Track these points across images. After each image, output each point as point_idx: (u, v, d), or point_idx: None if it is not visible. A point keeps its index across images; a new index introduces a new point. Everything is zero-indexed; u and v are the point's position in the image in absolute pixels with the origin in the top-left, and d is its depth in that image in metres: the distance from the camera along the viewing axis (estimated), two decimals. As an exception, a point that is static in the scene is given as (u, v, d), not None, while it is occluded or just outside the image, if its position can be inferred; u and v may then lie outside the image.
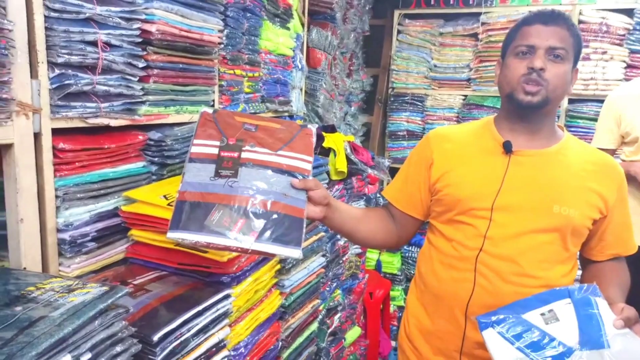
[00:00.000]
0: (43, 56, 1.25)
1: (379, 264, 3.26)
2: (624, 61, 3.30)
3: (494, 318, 1.07)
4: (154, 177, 1.72)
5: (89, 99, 1.41)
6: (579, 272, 1.37)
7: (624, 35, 3.30)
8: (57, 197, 1.33)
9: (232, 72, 2.10)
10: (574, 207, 1.20)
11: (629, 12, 3.28)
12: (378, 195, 3.28)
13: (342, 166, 2.19)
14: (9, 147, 1.19)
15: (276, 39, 2.44)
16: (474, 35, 3.73)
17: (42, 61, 1.25)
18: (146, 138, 1.69)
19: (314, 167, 1.92)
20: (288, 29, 2.58)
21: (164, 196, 1.51)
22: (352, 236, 1.38)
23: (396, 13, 3.86)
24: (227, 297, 1.36)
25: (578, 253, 1.32)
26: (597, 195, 1.23)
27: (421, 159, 1.39)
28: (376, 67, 4.13)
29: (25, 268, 1.21)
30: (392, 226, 1.44)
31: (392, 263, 3.29)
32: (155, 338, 1.11)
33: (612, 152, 2.31)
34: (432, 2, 3.74)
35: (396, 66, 3.90)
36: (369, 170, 2.40)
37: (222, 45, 1.99)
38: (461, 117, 3.70)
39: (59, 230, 1.34)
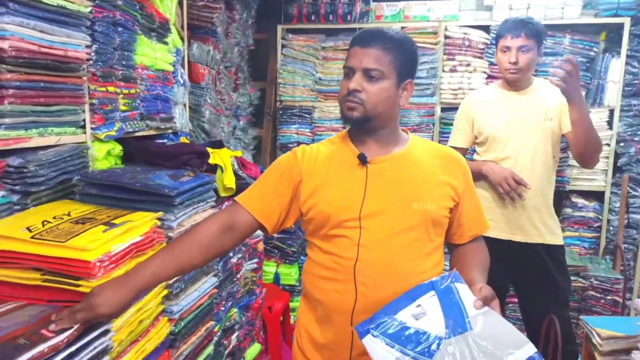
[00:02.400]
0: None
1: (277, 277, 3.26)
2: (485, 72, 3.67)
3: (371, 325, 1.11)
4: (16, 208, 1.56)
5: None
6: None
7: (483, 49, 3.67)
8: None
9: (104, 89, 1.98)
10: (430, 201, 1.31)
11: (487, 29, 3.66)
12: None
13: (231, 182, 2.16)
14: None
15: (153, 54, 2.35)
16: (354, 49, 3.91)
17: None
18: (4, 164, 1.53)
19: (196, 187, 1.87)
20: (166, 43, 2.50)
21: (27, 228, 1.37)
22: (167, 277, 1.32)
23: (279, 28, 3.92)
24: (105, 332, 1.26)
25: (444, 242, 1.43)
26: (448, 185, 1.35)
27: (286, 175, 1.37)
28: (263, 81, 4.15)
29: None
30: (220, 242, 1.35)
31: (289, 274, 3.31)
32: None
33: (465, 150, 2.54)
34: (313, 19, 3.85)
35: (283, 79, 3.95)
36: (259, 185, 2.39)
37: (91, 62, 1.87)
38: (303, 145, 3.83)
39: None
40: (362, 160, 1.32)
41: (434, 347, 1.05)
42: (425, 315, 1.12)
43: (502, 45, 2.34)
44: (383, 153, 1.35)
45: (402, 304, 1.15)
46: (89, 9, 1.81)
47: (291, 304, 3.23)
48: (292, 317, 3.26)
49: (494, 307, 1.14)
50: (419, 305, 1.14)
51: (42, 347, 1.07)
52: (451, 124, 3.32)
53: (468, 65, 3.69)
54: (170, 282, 1.65)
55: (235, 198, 1.41)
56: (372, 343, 1.08)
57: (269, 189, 1.38)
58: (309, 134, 3.98)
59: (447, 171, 1.37)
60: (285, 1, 3.83)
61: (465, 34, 3.68)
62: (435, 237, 1.35)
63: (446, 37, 3.71)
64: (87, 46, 1.82)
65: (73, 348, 1.14)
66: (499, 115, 2.40)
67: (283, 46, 3.95)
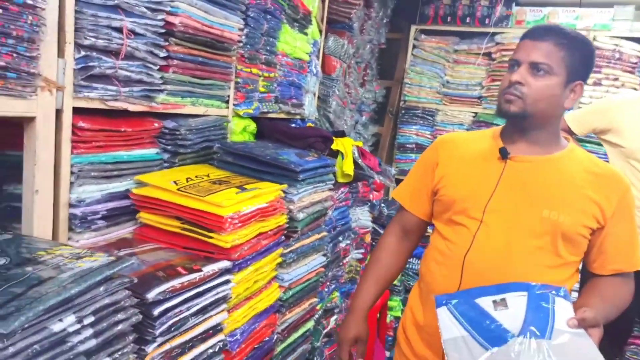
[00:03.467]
0: (71, 37, 1.31)
1: (379, 273, 3.28)
2: (635, 89, 3.33)
3: (451, 300, 1.13)
4: (165, 165, 1.77)
5: (110, 82, 1.47)
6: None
7: (636, 63, 3.33)
8: (72, 173, 1.39)
9: (248, 70, 2.16)
10: (565, 213, 1.22)
11: (643, 41, 3.32)
12: (382, 203, 3.31)
13: (349, 169, 2.23)
14: (31, 120, 1.25)
15: (294, 43, 2.50)
16: (488, 54, 3.78)
17: (70, 42, 1.31)
18: (161, 126, 1.74)
19: (319, 167, 1.97)
20: (306, 34, 2.64)
21: (174, 182, 1.56)
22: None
23: (413, 28, 3.92)
24: (227, 282, 1.40)
25: (581, 265, 1.33)
26: (594, 203, 1.24)
27: (428, 161, 1.45)
28: (390, 80, 4.19)
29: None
30: (404, 247, 1.54)
31: (392, 273, 3.31)
32: (156, 312, 1.14)
33: (570, 134, 2.32)
34: (449, 20, 3.80)
35: (409, 80, 3.96)
36: (375, 176, 2.44)
37: (241, 44, 2.05)
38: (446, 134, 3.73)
39: (71, 205, 1.39)
40: (503, 154, 1.27)
41: (500, 339, 1.02)
42: (506, 309, 1.09)
43: None
44: (529, 153, 1.28)
45: (489, 291, 1.14)
46: (245, -8, 1.99)
47: (389, 303, 3.23)
48: (389, 316, 3.26)
49: (593, 334, 1.05)
50: (503, 299, 1.11)
51: (176, 281, 1.22)
52: (588, 141, 3.06)
53: (616, 79, 3.37)
54: (285, 251, 1.76)
55: (394, 196, 1.55)
56: (445, 315, 1.11)
57: (419, 184, 1.47)
58: (429, 136, 3.94)
59: (598, 189, 1.24)
60: (422, 2, 3.82)
61: (616, 45, 3.37)
62: (566, 253, 1.25)
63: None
64: (240, 29, 2.00)
65: (201, 288, 1.28)
66: None
67: (414, 46, 3.95)
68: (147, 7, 1.53)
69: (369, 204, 2.71)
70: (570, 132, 2.35)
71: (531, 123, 1.25)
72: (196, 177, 1.65)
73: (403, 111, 4.01)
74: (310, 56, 2.71)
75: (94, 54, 1.39)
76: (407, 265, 3.50)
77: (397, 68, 4.13)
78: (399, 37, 4.06)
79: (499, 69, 3.69)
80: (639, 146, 2.17)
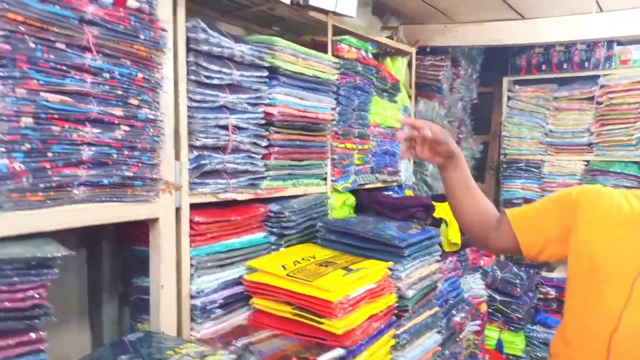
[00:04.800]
0: (185, 140, 1.44)
1: (499, 344, 3.01)
2: None
3: None
4: (273, 247, 1.81)
5: (220, 176, 1.57)
6: None
7: None
8: (191, 265, 1.47)
9: (343, 145, 2.21)
10: None
11: None
12: (495, 267, 3.09)
13: (456, 238, 2.13)
14: (155, 221, 1.35)
15: (384, 112, 2.53)
16: (592, 98, 3.54)
17: (184, 145, 1.43)
18: (267, 210, 1.81)
19: (424, 240, 1.89)
20: (395, 102, 2.67)
21: (283, 266, 1.59)
22: (457, 202, 1.39)
23: (505, 80, 3.82)
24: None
25: None
26: None
27: (564, 207, 1.27)
28: (486, 134, 4.05)
29: (163, 332, 1.32)
30: (492, 225, 1.37)
31: (514, 343, 3.02)
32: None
33: None
34: (544, 68, 3.65)
35: (508, 132, 3.80)
36: (484, 241, 2.30)
37: (335, 122, 2.12)
38: (585, 184, 3.44)
39: (192, 297, 1.46)
40: None
41: None
42: None
43: None
44: None
45: None
46: (336, 77, 2.08)
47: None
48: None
49: None
50: None
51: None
52: None
53: None
54: (398, 332, 1.68)
55: (507, 210, 1.40)
56: None
57: (540, 212, 1.32)
58: (537, 190, 3.69)
59: None
60: (512, 53, 3.73)
61: None
62: None
63: None
64: (332, 108, 2.08)
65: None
66: None
67: (509, 98, 3.82)
68: (248, 103, 1.64)
69: (481, 270, 2.55)
70: None
71: None
72: (303, 259, 1.67)
73: (505, 165, 3.83)
74: (402, 123, 2.72)
75: (205, 152, 1.51)
76: (532, 334, 3.18)
77: (492, 121, 4.00)
78: (491, 90, 3.97)
79: (607, 113, 3.42)
80: None
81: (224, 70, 1.52)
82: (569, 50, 3.51)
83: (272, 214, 1.82)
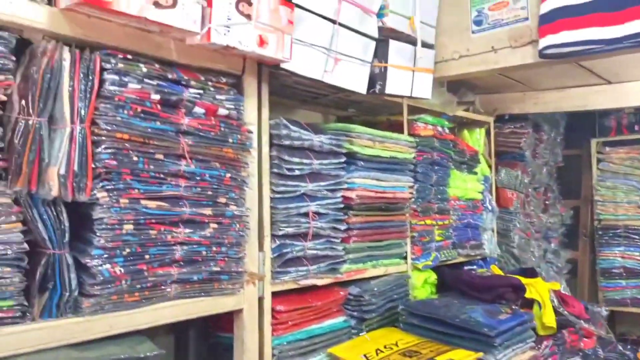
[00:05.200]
0: (268, 231, 1.49)
1: None
2: None
3: None
4: (353, 332, 1.78)
5: (301, 263, 1.60)
6: None
7: None
8: (273, 355, 1.47)
9: (422, 222, 2.17)
10: None
11: None
12: (597, 348, 2.79)
13: (551, 321, 1.97)
14: (239, 312, 1.39)
15: (464, 185, 2.48)
16: (697, 157, 3.24)
17: (267, 235, 1.48)
18: (346, 293, 1.79)
19: (515, 326, 1.77)
20: (475, 173, 2.61)
21: (365, 355, 1.54)
22: None
23: (593, 142, 3.61)
24: None
25: None
26: None
27: None
28: (576, 199, 3.80)
29: None
30: None
31: None
32: None
33: None
34: (636, 129, 3.42)
35: (600, 197, 3.54)
36: (583, 324, 2.10)
37: (413, 199, 2.09)
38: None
39: (272, 388, 1.45)
40: None
41: None
42: None
43: None
44: None
45: None
46: (413, 155, 2.08)
47: None
48: None
49: None
50: None
51: None
52: None
53: None
54: None
55: None
56: None
57: None
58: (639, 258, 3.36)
59: None
60: (599, 114, 3.54)
61: None
62: None
63: None
64: (410, 187, 2.07)
65: None
66: None
67: (599, 160, 3.59)
68: (327, 190, 1.68)
69: (581, 353, 2.31)
70: None
71: None
72: (385, 347, 1.62)
73: (600, 232, 3.54)
74: (482, 194, 2.64)
75: (287, 241, 1.55)
76: None
77: (583, 185, 3.76)
78: (579, 152, 3.75)
79: None
80: None
81: (304, 161, 1.58)
82: (664, 108, 3.28)
83: (352, 297, 1.80)
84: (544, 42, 1.74)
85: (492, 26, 1.91)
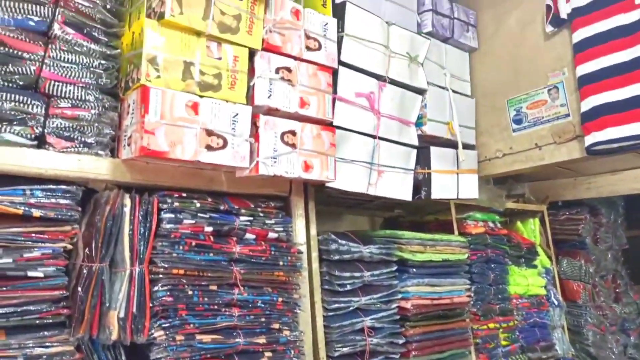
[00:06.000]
0: (323, 352, 1.43)
1: None
2: None
3: None
4: None
5: (360, 384, 1.51)
6: None
7: None
8: None
9: (485, 327, 2.04)
10: None
11: None
12: None
13: None
14: None
15: (525, 281, 2.34)
16: None
17: (323, 357, 1.43)
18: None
19: None
20: (535, 266, 2.48)
21: None
22: None
23: (658, 220, 3.40)
24: None
25: None
26: None
27: None
28: (649, 282, 3.51)
29: None
30: None
31: None
32: None
33: None
34: None
35: (678, 279, 3.26)
36: None
37: (472, 302, 1.99)
38: None
39: None
40: None
41: None
42: None
43: None
44: None
45: None
46: (466, 255, 2.01)
47: None
48: None
49: None
50: None
51: None
52: None
53: None
54: None
55: None
56: None
57: None
58: None
59: None
60: (659, 191, 3.36)
61: None
62: None
63: None
64: (467, 289, 1.97)
65: None
66: None
67: (668, 240, 3.35)
68: (381, 302, 1.63)
69: None
70: None
71: None
72: None
73: (685, 319, 3.21)
74: (546, 288, 2.48)
75: (342, 361, 1.48)
76: None
77: (654, 268, 3.48)
78: (643, 232, 3.53)
79: None
80: None
81: (355, 274, 1.56)
82: None
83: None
84: (590, 139, 1.72)
85: (533, 124, 1.91)
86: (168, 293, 1.10)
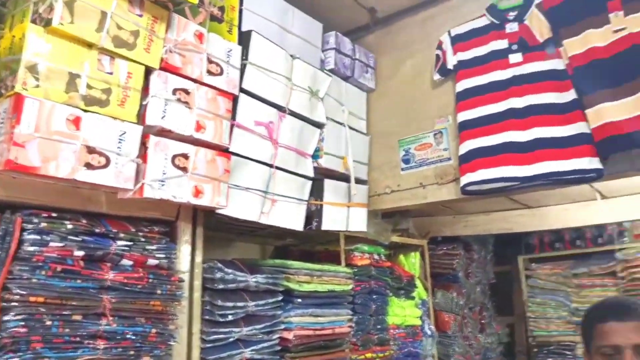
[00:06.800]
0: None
1: None
2: None
3: None
4: None
5: (233, 420, 1.47)
6: None
7: None
8: None
9: (363, 357, 2.10)
10: None
11: None
12: None
13: None
14: None
15: (402, 312, 2.46)
16: (613, 273, 3.46)
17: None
18: None
19: None
20: (413, 298, 2.62)
21: None
22: None
23: (520, 259, 3.80)
24: None
25: None
26: None
27: None
28: (510, 315, 3.89)
29: None
30: None
31: None
32: None
33: None
34: (557, 246, 3.65)
35: (532, 313, 3.64)
36: None
37: (352, 333, 2.04)
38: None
39: None
40: None
41: None
42: None
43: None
44: None
45: None
46: (351, 286, 2.07)
47: None
48: None
49: None
50: None
51: None
52: None
53: None
54: None
55: None
56: None
57: None
58: (575, 377, 3.39)
59: None
60: (524, 233, 3.77)
61: None
62: None
63: None
64: (349, 319, 2.02)
65: None
66: None
67: (527, 277, 3.75)
68: (263, 332, 1.61)
69: None
70: None
71: None
72: None
73: (535, 349, 3.59)
74: (421, 319, 2.63)
75: (217, 396, 1.43)
76: None
77: (514, 302, 3.87)
78: (509, 269, 3.92)
79: (633, 288, 3.31)
80: None
81: (239, 304, 1.52)
82: (580, 228, 3.55)
83: None
84: (464, 179, 1.88)
85: (419, 164, 2.05)
86: (22, 323, 0.98)
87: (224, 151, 1.40)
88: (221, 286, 1.49)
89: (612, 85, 1.70)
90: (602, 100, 1.71)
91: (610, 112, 1.69)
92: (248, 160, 1.52)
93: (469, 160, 1.89)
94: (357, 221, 1.99)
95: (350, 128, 2.01)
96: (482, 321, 3.46)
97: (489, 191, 1.90)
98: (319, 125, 1.84)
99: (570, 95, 1.80)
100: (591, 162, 1.72)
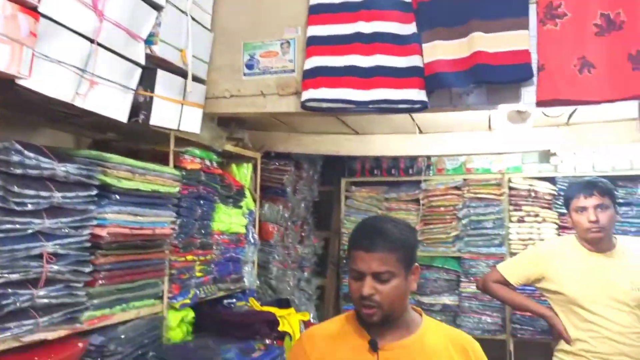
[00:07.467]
0: (-19, 280, 1.20)
1: None
2: (555, 222, 3.57)
3: None
4: (94, 387, 1.57)
5: (26, 316, 1.33)
6: None
7: (550, 200, 3.62)
8: None
9: (183, 259, 2.08)
10: None
11: (552, 180, 3.65)
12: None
13: (298, 353, 2.09)
14: None
15: (229, 220, 2.49)
16: (417, 200, 3.98)
17: (-20, 286, 1.19)
18: (86, 344, 1.57)
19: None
20: (240, 207, 2.65)
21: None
22: None
23: (343, 181, 4.10)
24: None
25: None
26: None
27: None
28: (327, 230, 4.24)
29: None
30: None
31: None
32: None
33: (512, 287, 2.40)
34: (375, 172, 4.03)
35: (346, 229, 4.03)
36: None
37: (174, 235, 2.00)
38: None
39: None
40: (373, 346, 1.26)
41: None
42: None
43: (576, 207, 2.27)
44: (395, 339, 1.30)
45: None
46: (177, 189, 1.99)
47: None
48: None
49: None
50: None
51: None
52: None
53: (536, 215, 3.61)
54: None
55: None
56: None
57: None
58: (373, 285, 3.91)
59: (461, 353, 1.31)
60: (348, 157, 4.05)
61: (530, 185, 3.66)
62: None
63: (510, 188, 3.71)
64: (172, 222, 1.96)
65: None
66: (582, 277, 2.25)
67: (347, 197, 4.09)
68: (71, 227, 1.46)
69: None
70: (506, 282, 2.41)
71: (391, 317, 1.29)
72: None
73: (344, 261, 4.01)
74: (246, 228, 2.70)
75: (9, 290, 1.27)
76: None
77: (333, 219, 4.22)
78: (332, 189, 4.21)
79: (429, 214, 3.86)
80: (578, 292, 2.23)
81: (42, 193, 1.35)
82: (396, 158, 3.95)
83: (93, 348, 1.59)
84: (306, 94, 1.90)
85: (262, 72, 2.00)
86: None
87: (32, 10, 1.15)
88: (19, 171, 1.28)
89: (449, 25, 1.83)
90: (438, 37, 1.84)
91: (443, 50, 1.84)
92: (63, 29, 1.29)
93: (313, 77, 1.90)
94: (191, 121, 1.88)
95: (193, 19, 1.84)
96: (302, 234, 3.71)
97: (327, 109, 1.95)
98: (156, 7, 1.63)
99: (411, 28, 1.90)
100: (419, 94, 1.87)
